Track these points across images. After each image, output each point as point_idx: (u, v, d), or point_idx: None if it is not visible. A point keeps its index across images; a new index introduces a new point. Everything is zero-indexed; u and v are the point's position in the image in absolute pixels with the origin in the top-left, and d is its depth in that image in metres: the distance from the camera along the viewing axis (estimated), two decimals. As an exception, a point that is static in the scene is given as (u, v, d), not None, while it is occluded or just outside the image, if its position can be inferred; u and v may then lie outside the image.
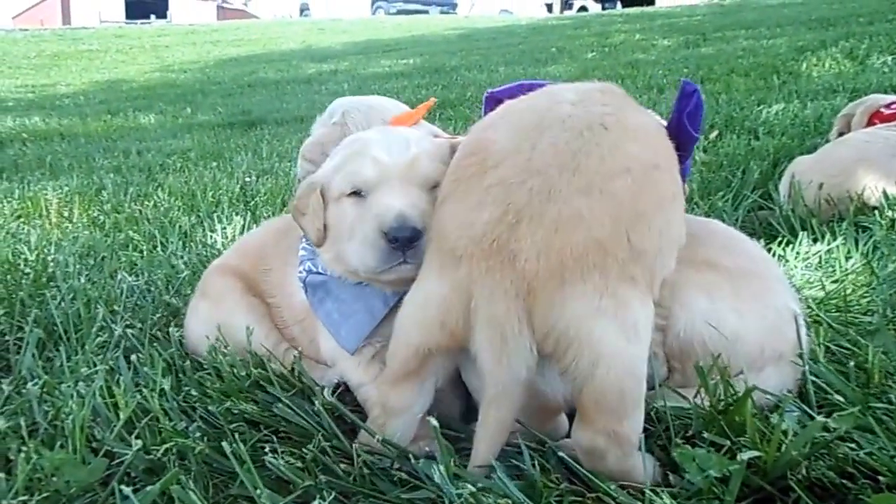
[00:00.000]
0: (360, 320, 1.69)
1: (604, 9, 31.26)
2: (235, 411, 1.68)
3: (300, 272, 1.78)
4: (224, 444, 1.47)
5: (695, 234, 1.68)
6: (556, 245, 1.22)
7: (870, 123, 3.24)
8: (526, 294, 1.23)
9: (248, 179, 4.48)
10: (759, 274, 1.73)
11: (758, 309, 1.64)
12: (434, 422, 1.38)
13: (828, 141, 3.57)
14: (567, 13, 32.21)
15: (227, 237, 3.29)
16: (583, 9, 33.37)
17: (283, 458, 1.48)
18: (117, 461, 1.54)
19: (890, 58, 7.03)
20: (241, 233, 3.33)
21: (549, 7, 37.10)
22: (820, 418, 1.34)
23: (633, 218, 1.28)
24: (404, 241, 1.48)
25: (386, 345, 1.61)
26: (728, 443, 1.40)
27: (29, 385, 1.77)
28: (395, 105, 2.68)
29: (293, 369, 1.83)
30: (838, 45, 8.26)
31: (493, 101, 1.71)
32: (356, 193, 1.60)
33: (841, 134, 3.42)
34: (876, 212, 2.66)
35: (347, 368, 1.72)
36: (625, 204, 1.28)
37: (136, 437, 1.58)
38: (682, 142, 1.59)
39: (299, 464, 1.49)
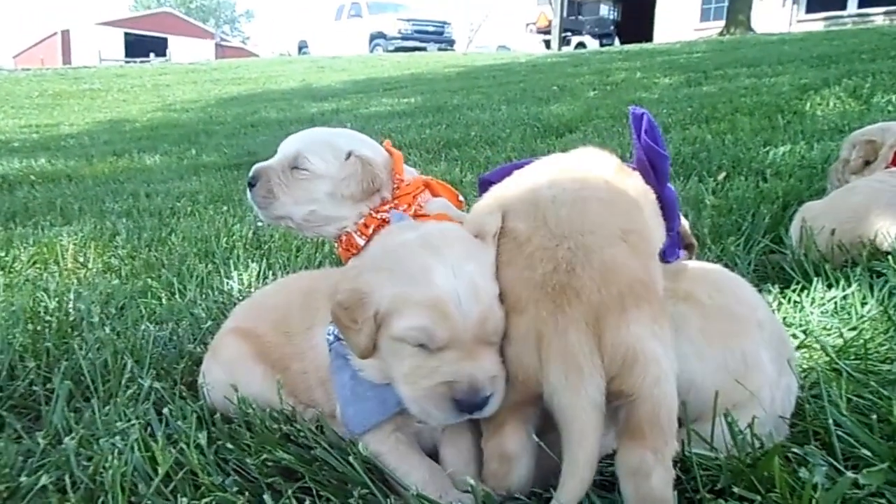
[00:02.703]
0: (369, 408, 1.67)
1: (602, 45, 31.71)
2: (270, 463, 1.69)
3: (328, 333, 1.76)
4: (266, 496, 1.50)
5: (691, 270, 1.83)
6: (611, 280, 1.42)
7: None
8: (594, 322, 1.38)
9: (259, 224, 4.51)
10: (736, 316, 1.71)
11: (721, 352, 1.63)
12: (470, 480, 1.44)
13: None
14: (565, 49, 32.62)
15: (243, 284, 3.33)
16: (581, 45, 33.81)
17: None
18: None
19: (895, 97, 7.08)
20: (258, 279, 3.38)
21: (548, 43, 37.57)
22: (850, 474, 1.37)
23: (644, 265, 1.51)
24: (473, 408, 1.48)
25: (406, 418, 1.65)
26: (758, 497, 1.41)
27: (66, 440, 1.79)
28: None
29: (319, 428, 1.83)
30: (841, 83, 8.29)
31: (486, 184, 1.95)
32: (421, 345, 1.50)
33: (867, 163, 3.42)
34: (889, 257, 2.68)
35: (366, 437, 1.69)
36: (631, 254, 1.49)
37: (178, 493, 1.61)
38: (654, 164, 1.76)
39: None
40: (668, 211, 1.83)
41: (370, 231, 2.44)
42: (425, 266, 1.50)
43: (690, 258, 2.21)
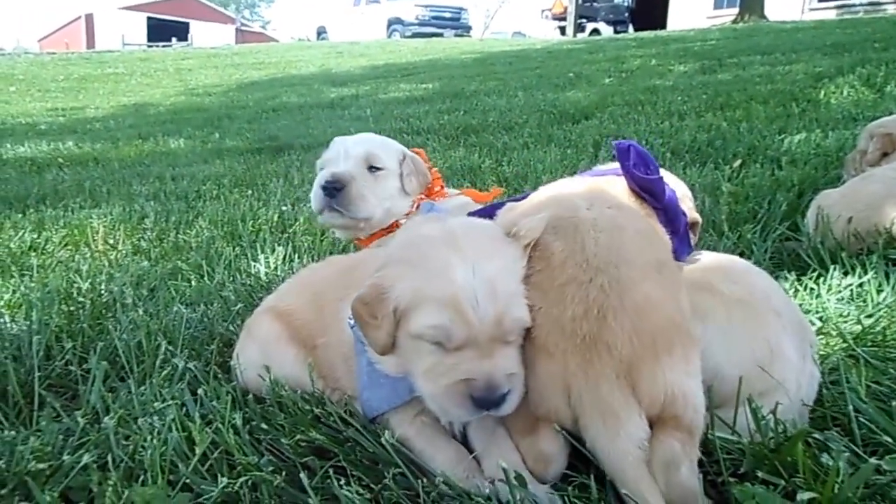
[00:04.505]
0: (383, 395, 1.70)
1: (616, 32, 31.49)
2: (303, 444, 1.73)
3: (349, 317, 1.74)
4: (302, 475, 1.54)
5: (705, 262, 1.87)
6: (642, 326, 1.45)
7: None
8: (627, 374, 1.41)
9: (284, 208, 4.58)
10: (753, 305, 1.73)
11: (746, 340, 1.65)
12: (504, 464, 1.47)
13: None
14: (580, 35, 32.40)
15: (270, 267, 3.39)
16: (595, 31, 33.58)
17: (354, 489, 1.54)
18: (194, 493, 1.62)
19: (909, 85, 7.02)
20: (284, 262, 3.43)
21: (563, 30, 37.32)
22: (872, 460, 1.40)
23: (676, 296, 1.55)
24: (491, 405, 1.50)
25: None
26: (782, 482, 1.44)
27: (105, 419, 1.84)
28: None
29: (348, 411, 1.85)
30: (855, 71, 8.24)
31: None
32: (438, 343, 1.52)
33: (885, 154, 3.45)
34: (905, 245, 2.69)
35: (392, 422, 1.72)
36: (664, 286, 1.53)
37: (215, 472, 1.66)
38: (649, 189, 1.82)
39: (367, 495, 1.54)
40: (671, 215, 1.88)
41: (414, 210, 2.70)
42: (445, 263, 1.51)
43: (696, 236, 2.22)
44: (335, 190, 2.67)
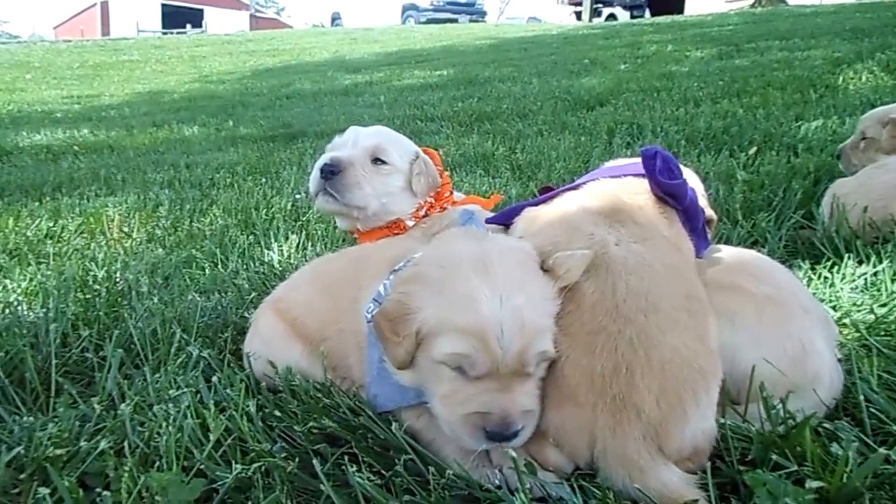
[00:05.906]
0: (389, 395, 1.70)
1: (633, 17, 31.24)
2: (315, 431, 1.74)
3: (369, 309, 1.74)
4: (314, 462, 1.55)
5: (727, 260, 1.86)
6: (669, 385, 1.46)
7: None
8: (655, 435, 1.43)
9: (297, 196, 4.59)
10: (783, 303, 1.73)
11: (778, 338, 1.65)
12: (512, 452, 1.46)
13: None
14: (596, 20, 32.17)
15: (283, 255, 3.41)
16: (612, 16, 33.32)
17: (365, 475, 1.55)
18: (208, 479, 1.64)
19: (928, 72, 6.94)
20: (297, 250, 3.45)
21: (578, 15, 37.05)
22: (882, 450, 1.40)
23: (703, 335, 1.56)
24: (503, 439, 1.49)
25: None
26: (793, 466, 1.45)
27: (122, 406, 1.86)
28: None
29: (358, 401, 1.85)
30: (874, 57, 8.15)
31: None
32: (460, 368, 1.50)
33: None
34: (921, 235, 2.66)
35: (406, 417, 1.72)
36: (692, 328, 1.54)
37: (229, 458, 1.68)
38: (673, 193, 1.83)
39: (379, 481, 1.55)
40: (691, 214, 1.89)
41: (422, 214, 2.65)
42: (474, 291, 1.48)
43: (711, 232, 2.22)
44: (331, 173, 2.59)
